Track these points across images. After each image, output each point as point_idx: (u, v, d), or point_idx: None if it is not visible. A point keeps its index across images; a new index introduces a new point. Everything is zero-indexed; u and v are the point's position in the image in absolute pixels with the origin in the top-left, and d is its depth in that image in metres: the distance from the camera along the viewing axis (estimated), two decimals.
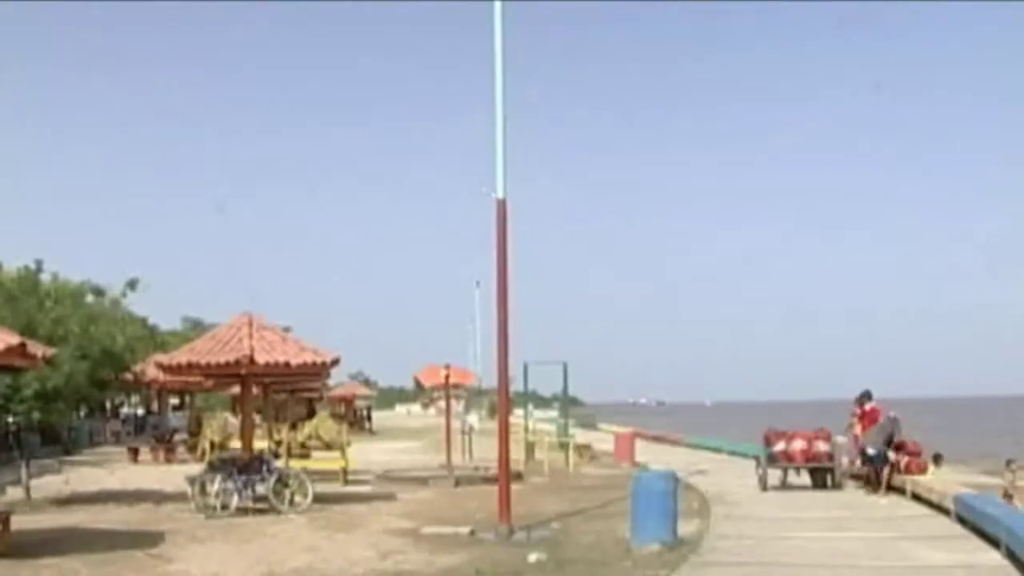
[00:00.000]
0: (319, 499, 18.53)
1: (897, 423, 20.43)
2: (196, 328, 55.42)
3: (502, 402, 16.77)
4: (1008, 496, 16.84)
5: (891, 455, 19.93)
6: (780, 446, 21.18)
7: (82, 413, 47.30)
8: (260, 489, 18.00)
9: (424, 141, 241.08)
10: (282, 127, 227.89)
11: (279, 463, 20.39)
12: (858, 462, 21.04)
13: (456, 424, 31.02)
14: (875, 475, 19.99)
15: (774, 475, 21.20)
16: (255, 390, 23.53)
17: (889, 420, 20.49)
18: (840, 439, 21.92)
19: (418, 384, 35.37)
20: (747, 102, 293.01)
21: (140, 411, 54.90)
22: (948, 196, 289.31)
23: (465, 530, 15.12)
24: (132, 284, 45.66)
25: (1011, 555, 12.01)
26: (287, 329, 26.39)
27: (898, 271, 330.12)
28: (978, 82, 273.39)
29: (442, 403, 34.32)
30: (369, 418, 65.46)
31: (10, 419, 36.16)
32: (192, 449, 31.94)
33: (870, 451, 20.12)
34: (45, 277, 40.97)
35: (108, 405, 53.88)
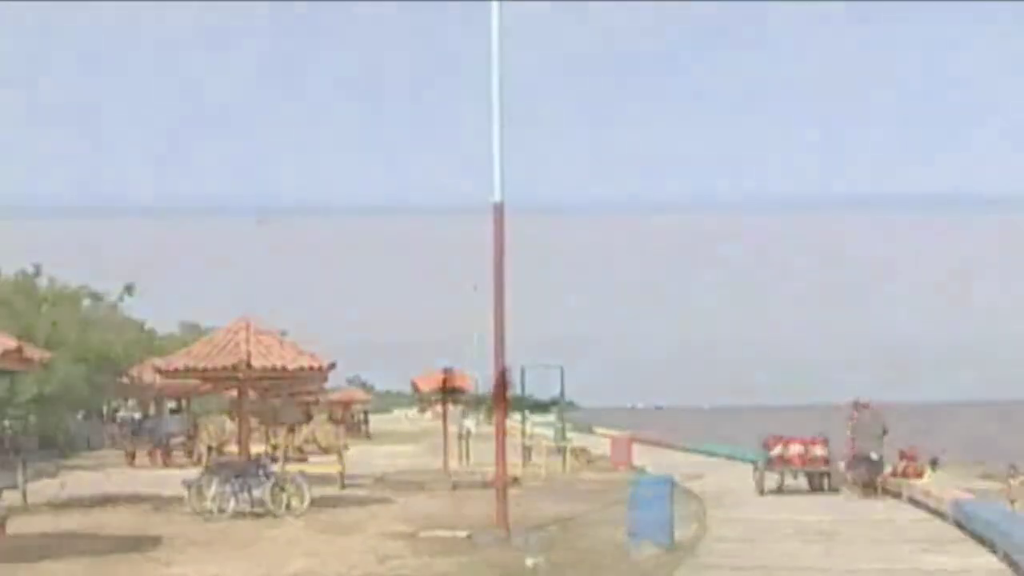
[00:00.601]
0: (316, 503, 18.51)
1: (875, 414, 20.48)
2: (194, 332, 55.25)
3: (499, 406, 16.76)
4: (1012, 501, 16.78)
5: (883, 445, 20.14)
6: (778, 451, 21.23)
7: (79, 417, 47.19)
8: (257, 493, 17.95)
9: (424, 141, 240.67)
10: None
11: (276, 467, 20.36)
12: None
13: (453, 428, 30.98)
14: (871, 480, 20.00)
15: (771, 479, 21.22)
16: (252, 394, 23.49)
17: (871, 414, 20.50)
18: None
19: (416, 388, 35.32)
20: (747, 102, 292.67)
21: (137, 415, 54.71)
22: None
23: (463, 534, 15.10)
24: (129, 289, 45.61)
25: (1008, 559, 12.02)
26: (284, 333, 26.33)
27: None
28: (978, 82, 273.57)
29: (439, 407, 34.26)
30: (366, 422, 65.31)
31: (7, 423, 36.07)
32: (189, 453, 31.88)
33: (874, 456, 20.15)
34: (42, 281, 40.93)
35: (105, 409, 53.76)
